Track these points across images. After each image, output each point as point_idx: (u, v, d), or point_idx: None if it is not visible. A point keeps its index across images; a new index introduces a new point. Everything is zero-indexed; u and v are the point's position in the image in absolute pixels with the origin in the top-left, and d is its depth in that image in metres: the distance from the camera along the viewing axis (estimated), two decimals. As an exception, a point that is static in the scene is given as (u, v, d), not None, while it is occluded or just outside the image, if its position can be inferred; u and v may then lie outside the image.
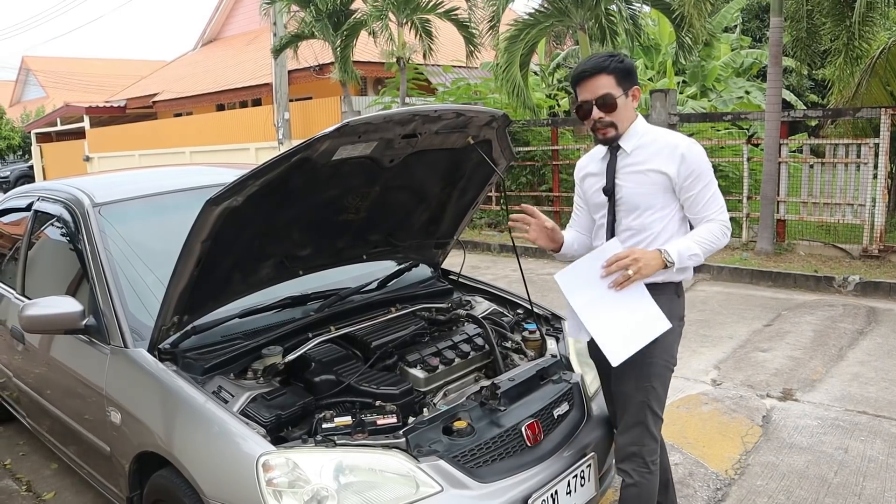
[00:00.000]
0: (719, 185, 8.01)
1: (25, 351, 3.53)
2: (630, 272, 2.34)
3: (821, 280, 7.27)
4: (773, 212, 8.38)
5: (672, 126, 9.50)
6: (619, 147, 2.53)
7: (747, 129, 11.61)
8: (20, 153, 38.15)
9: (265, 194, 2.40)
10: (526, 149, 11.39)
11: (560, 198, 10.89)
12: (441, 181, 3.22)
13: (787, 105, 13.82)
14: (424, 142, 2.76)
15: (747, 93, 14.63)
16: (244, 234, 2.57)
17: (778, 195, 8.41)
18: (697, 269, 8.22)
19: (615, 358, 2.37)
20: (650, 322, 2.37)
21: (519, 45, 10.63)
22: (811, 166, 8.25)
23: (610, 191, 2.54)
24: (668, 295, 2.51)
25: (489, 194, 11.60)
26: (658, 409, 2.53)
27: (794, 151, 8.84)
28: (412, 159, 2.85)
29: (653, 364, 2.49)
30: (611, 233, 2.57)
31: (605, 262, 2.40)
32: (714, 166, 8.42)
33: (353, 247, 3.21)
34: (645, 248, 2.45)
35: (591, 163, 2.68)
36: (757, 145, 8.95)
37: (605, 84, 2.45)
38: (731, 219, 9.25)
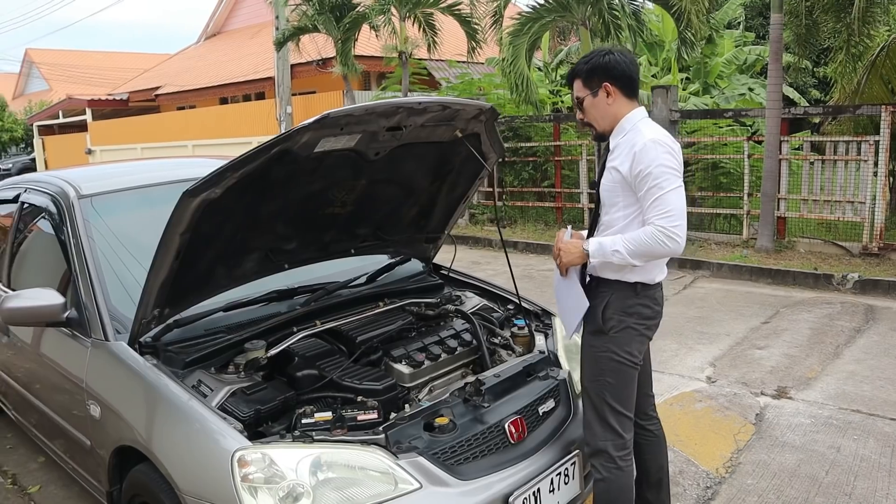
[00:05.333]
0: (720, 183, 7.93)
1: (11, 344, 3.50)
2: (557, 261, 2.55)
3: (820, 278, 7.22)
4: (773, 209, 8.33)
5: (673, 123, 9.45)
6: (608, 144, 2.55)
7: (750, 126, 11.55)
8: (23, 146, 38.19)
9: (245, 186, 2.36)
10: (528, 144, 11.33)
11: (562, 193, 10.84)
12: (430, 175, 3.18)
13: (790, 102, 13.74)
14: (410, 135, 2.73)
15: (750, 90, 14.55)
16: (225, 226, 2.54)
17: (778, 192, 8.36)
18: (696, 266, 8.16)
19: (566, 332, 2.70)
20: (578, 303, 2.56)
21: (523, 39, 10.56)
22: (812, 163, 8.20)
23: (595, 185, 2.57)
24: (623, 292, 2.52)
25: (490, 190, 11.63)
26: (617, 404, 2.53)
27: (796, 149, 8.77)
28: (399, 152, 2.81)
29: (604, 358, 2.53)
30: (593, 226, 2.61)
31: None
32: (715, 163, 8.32)
33: (340, 241, 3.18)
34: None
35: None
36: (759, 142, 8.89)
37: (576, 87, 2.58)
38: (732, 216, 9.13)
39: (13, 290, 3.58)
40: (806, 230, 8.64)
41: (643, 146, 2.38)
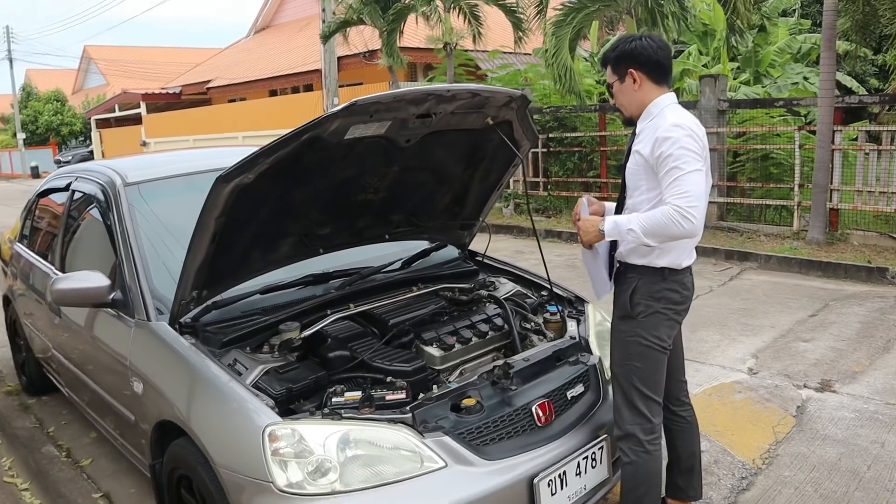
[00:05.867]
0: (771, 174, 7.78)
1: (63, 325, 3.66)
2: (578, 235, 2.61)
3: (873, 271, 7.01)
4: (825, 200, 8.10)
5: (721, 112, 9.27)
6: (635, 129, 2.56)
7: (804, 116, 11.24)
8: (81, 139, 39.43)
9: (278, 172, 2.43)
10: (574, 134, 11.25)
11: (608, 184, 10.74)
12: (462, 162, 3.20)
13: (846, 91, 13.32)
14: (441, 122, 2.76)
15: (805, 79, 14.12)
16: (260, 211, 2.61)
17: (831, 183, 8.13)
18: (744, 258, 8.02)
19: (595, 294, 2.80)
20: (602, 278, 2.71)
21: (566, 29, 10.48)
22: (867, 154, 7.95)
23: (622, 168, 2.58)
24: (650, 277, 2.54)
25: (536, 180, 11.60)
26: (645, 389, 2.54)
27: (853, 139, 8.51)
28: (430, 140, 2.84)
29: (632, 343, 2.55)
30: (619, 210, 2.63)
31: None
32: (766, 154, 8.16)
33: (374, 227, 3.23)
34: None
35: None
36: (812, 132, 8.66)
37: (608, 74, 2.60)
38: (783, 208, 8.93)
39: (65, 273, 3.73)
40: (860, 222, 8.39)
41: (665, 129, 2.39)
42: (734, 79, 13.74)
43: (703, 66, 14.41)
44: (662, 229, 2.34)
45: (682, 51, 15.84)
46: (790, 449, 3.58)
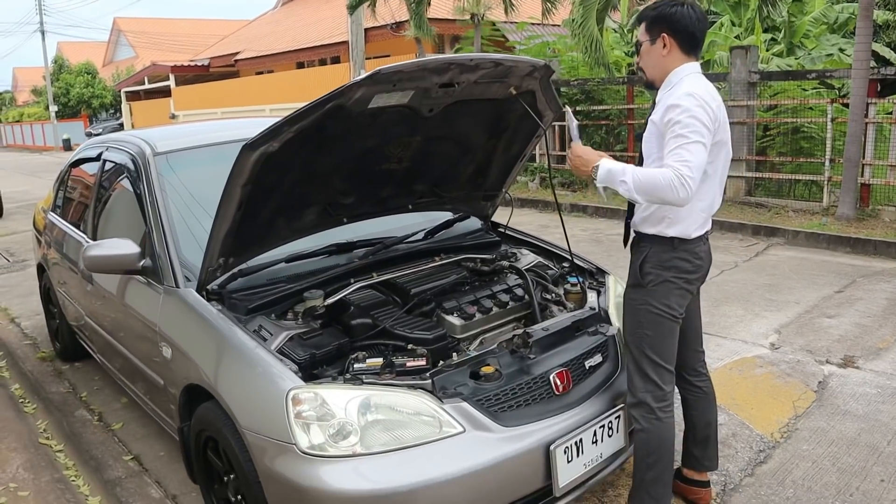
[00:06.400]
0: (801, 148, 7.68)
1: (95, 293, 3.76)
2: (567, 163, 2.53)
3: (903, 247, 6.90)
4: (856, 175, 7.95)
5: (752, 84, 9.12)
6: (654, 99, 2.56)
7: (839, 89, 10.99)
8: (112, 111, 39.83)
9: (302, 141, 2.46)
10: (601, 107, 11.14)
11: (636, 158, 10.59)
12: (485, 132, 3.21)
13: (884, 62, 12.98)
14: (464, 92, 2.76)
15: (841, 50, 13.77)
16: (285, 179, 2.65)
17: (863, 158, 7.98)
18: (771, 234, 7.91)
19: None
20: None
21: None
22: (901, 127, 7.78)
23: (640, 137, 2.60)
24: (660, 246, 2.55)
25: (563, 153, 11.52)
26: (656, 357, 2.56)
27: (888, 113, 8.31)
28: (453, 109, 2.85)
29: (642, 311, 2.57)
30: None
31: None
32: (796, 127, 8.01)
33: (397, 196, 3.26)
34: None
35: None
36: (846, 105, 8.48)
37: (640, 31, 2.56)
38: (812, 183, 8.78)
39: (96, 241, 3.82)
40: (893, 198, 8.24)
41: (677, 97, 2.38)
42: (767, 50, 13.48)
43: (735, 37, 14.13)
44: (656, 190, 2.29)
45: (714, 21, 15.56)
46: (809, 423, 3.58)
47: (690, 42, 2.50)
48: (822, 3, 14.87)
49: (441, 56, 2.50)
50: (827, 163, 8.46)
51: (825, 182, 8.52)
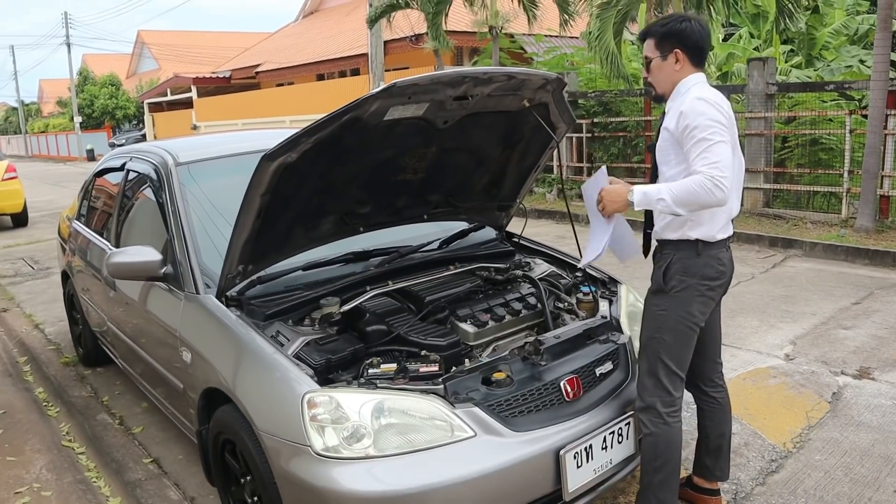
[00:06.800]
0: (820, 159, 7.65)
1: (118, 299, 3.85)
2: (599, 206, 2.62)
3: (923, 260, 6.85)
4: (875, 187, 7.91)
5: (770, 96, 9.10)
6: (664, 109, 2.60)
7: (859, 101, 10.94)
8: (135, 122, 40.37)
9: (320, 151, 2.54)
10: (618, 119, 11.17)
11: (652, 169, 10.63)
12: (499, 144, 3.27)
13: (904, 74, 12.89)
14: (478, 104, 2.83)
15: (861, 62, 13.72)
16: (302, 189, 2.72)
17: (882, 169, 7.94)
18: (788, 245, 7.87)
19: (583, 261, 2.77)
20: (599, 242, 2.66)
21: (612, 11, 10.40)
22: (921, 139, 7.73)
23: (652, 147, 2.63)
24: (685, 252, 2.57)
25: (580, 165, 11.56)
26: (672, 364, 2.59)
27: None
28: (467, 121, 2.92)
29: (662, 317, 2.59)
30: None
31: (595, 188, 2.65)
32: (815, 139, 7.97)
33: (413, 206, 3.33)
34: None
35: None
36: (865, 116, 8.44)
37: (647, 47, 2.61)
38: (831, 194, 8.72)
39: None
40: (913, 210, 8.18)
41: (690, 102, 2.44)
42: (786, 62, 13.44)
43: (754, 49, 14.11)
44: (694, 198, 2.35)
45: (733, 34, 15.54)
46: (823, 434, 3.58)
47: (700, 55, 2.58)
48: (842, 15, 14.81)
49: (455, 69, 2.57)
50: (846, 174, 8.42)
51: (844, 194, 8.48)
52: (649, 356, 2.64)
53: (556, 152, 3.39)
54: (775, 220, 8.84)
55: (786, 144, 9.68)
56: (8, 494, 3.36)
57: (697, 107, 2.41)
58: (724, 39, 15.38)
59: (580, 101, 11.50)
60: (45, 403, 4.48)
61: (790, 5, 8.84)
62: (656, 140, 2.63)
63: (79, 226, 4.94)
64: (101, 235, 4.40)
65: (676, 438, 2.63)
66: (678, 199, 2.38)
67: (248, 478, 2.67)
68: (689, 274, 2.56)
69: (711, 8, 9.81)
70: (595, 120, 11.34)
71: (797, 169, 9.27)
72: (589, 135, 11.44)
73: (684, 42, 2.54)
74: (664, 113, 2.62)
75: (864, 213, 7.98)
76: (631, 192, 2.49)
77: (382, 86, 2.41)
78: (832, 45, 14.10)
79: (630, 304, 3.22)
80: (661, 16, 16.65)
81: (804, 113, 9.18)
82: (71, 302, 5.28)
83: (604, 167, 2.71)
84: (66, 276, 5.30)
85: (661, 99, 2.64)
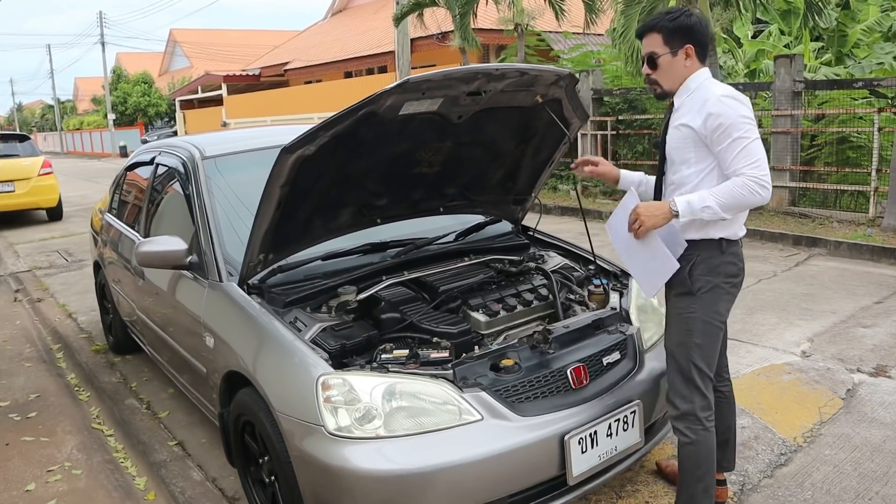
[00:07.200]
0: (848, 157, 7.58)
1: (146, 289, 4.00)
2: (636, 226, 2.48)
3: (949, 260, 6.78)
4: (902, 186, 7.84)
5: (797, 94, 9.04)
6: (672, 103, 2.59)
7: (891, 99, 10.78)
8: (166, 119, 41.00)
9: (337, 145, 2.64)
10: (643, 116, 11.14)
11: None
12: (513, 139, 3.35)
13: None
14: (491, 100, 2.91)
15: (895, 59, 13.52)
16: (321, 182, 2.83)
17: (910, 168, 7.85)
18: (812, 244, 7.81)
19: (646, 293, 2.67)
20: (665, 265, 2.50)
21: (636, 8, 10.36)
22: (950, 137, 7.63)
23: (659, 145, 2.63)
24: (709, 251, 2.53)
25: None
26: (703, 366, 2.56)
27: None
28: (481, 116, 3.00)
29: (693, 319, 2.54)
30: (658, 186, 2.67)
31: (625, 213, 2.56)
32: (843, 137, 7.90)
33: (429, 199, 3.42)
34: None
35: None
36: (896, 114, 8.34)
37: (652, 42, 2.54)
38: (859, 193, 8.61)
39: (148, 238, 4.06)
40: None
41: (717, 100, 2.40)
42: (816, 59, 13.28)
43: (784, 46, 13.97)
44: (741, 201, 2.35)
45: (762, 31, 15.39)
46: (834, 429, 3.61)
47: (705, 50, 2.56)
48: (875, 12, 14.59)
49: (469, 66, 2.64)
50: (873, 173, 8.34)
51: (872, 192, 8.40)
52: (681, 361, 2.58)
53: (577, 149, 3.45)
54: (801, 219, 8.78)
55: (813, 143, 9.59)
56: (41, 472, 3.52)
57: (727, 104, 2.38)
58: (754, 36, 15.23)
59: (605, 99, 11.50)
60: (76, 388, 4.66)
61: (819, 2, 8.74)
62: (663, 137, 2.61)
63: (110, 218, 5.11)
64: (132, 227, 4.55)
65: (713, 443, 2.59)
66: (725, 204, 2.36)
67: (266, 458, 2.79)
68: (715, 273, 2.53)
69: (739, 4, 9.76)
70: (620, 117, 11.33)
71: (825, 167, 9.19)
72: (614, 132, 11.42)
73: (695, 37, 2.50)
74: (671, 108, 2.61)
75: (892, 212, 7.90)
76: (673, 203, 2.43)
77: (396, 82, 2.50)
78: (865, 42, 13.90)
79: (641, 296, 3.27)
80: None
81: (832, 111, 9.10)
82: (102, 292, 5.46)
83: (630, 190, 2.62)
84: (97, 267, 5.48)
85: (665, 96, 2.60)
